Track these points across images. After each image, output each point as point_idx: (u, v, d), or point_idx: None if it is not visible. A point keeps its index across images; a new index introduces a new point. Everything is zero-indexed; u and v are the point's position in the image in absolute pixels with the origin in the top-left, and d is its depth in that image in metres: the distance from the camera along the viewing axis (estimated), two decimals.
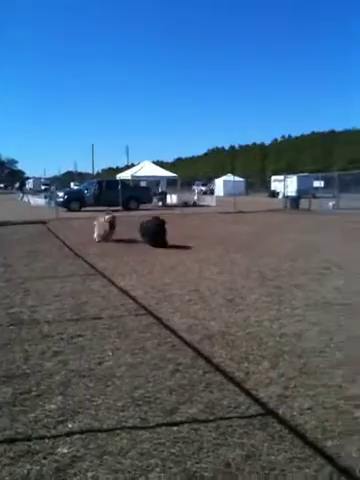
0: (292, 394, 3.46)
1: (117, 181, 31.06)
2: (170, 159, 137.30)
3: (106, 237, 12.15)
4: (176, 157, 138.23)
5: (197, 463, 2.63)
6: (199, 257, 9.71)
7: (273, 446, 2.78)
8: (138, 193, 30.39)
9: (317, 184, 44.10)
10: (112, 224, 12.17)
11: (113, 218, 12.25)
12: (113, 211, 14.73)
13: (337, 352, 4.30)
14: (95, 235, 12.39)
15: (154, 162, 45.86)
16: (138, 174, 35.89)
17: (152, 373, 3.85)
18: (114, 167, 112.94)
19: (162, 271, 8.34)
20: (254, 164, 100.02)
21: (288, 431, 2.94)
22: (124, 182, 31.68)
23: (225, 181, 60.07)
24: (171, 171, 42.03)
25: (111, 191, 27.90)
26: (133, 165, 47.60)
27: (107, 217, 12.17)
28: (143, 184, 37.08)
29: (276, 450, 2.74)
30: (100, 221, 12.38)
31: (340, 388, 3.55)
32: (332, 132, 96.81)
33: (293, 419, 3.09)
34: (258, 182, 72.63)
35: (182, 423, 3.05)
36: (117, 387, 3.61)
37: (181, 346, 4.48)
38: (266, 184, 60.36)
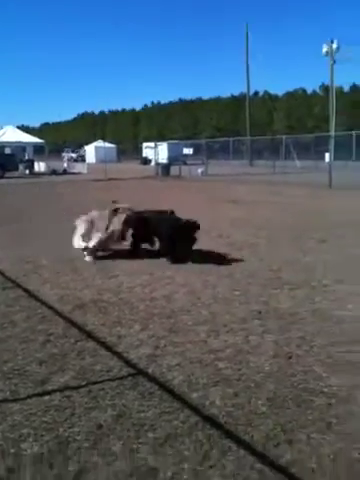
0: (161, 353, 3.63)
1: None
2: (36, 124, 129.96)
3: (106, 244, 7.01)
4: (43, 122, 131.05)
5: (70, 428, 2.67)
6: (69, 226, 9.50)
7: (143, 403, 2.91)
8: (2, 160, 28.76)
9: (187, 151, 45.44)
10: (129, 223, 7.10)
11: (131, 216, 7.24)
12: None
13: (203, 310, 4.57)
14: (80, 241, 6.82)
15: (18, 127, 43.34)
16: (1, 140, 33.74)
17: (21, 346, 3.76)
18: None
19: (29, 241, 8.05)
20: (126, 130, 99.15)
21: (157, 388, 3.10)
22: None
23: (96, 147, 59.10)
24: (38, 137, 40.14)
25: None
26: None
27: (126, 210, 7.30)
28: (8, 151, 35.03)
29: (146, 407, 2.88)
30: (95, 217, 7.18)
31: (205, 343, 3.80)
32: (199, 100, 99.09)
33: (162, 376, 3.26)
34: (130, 149, 72.50)
35: (54, 391, 3.05)
36: None
37: (52, 317, 4.43)
38: (138, 151, 60.44)
